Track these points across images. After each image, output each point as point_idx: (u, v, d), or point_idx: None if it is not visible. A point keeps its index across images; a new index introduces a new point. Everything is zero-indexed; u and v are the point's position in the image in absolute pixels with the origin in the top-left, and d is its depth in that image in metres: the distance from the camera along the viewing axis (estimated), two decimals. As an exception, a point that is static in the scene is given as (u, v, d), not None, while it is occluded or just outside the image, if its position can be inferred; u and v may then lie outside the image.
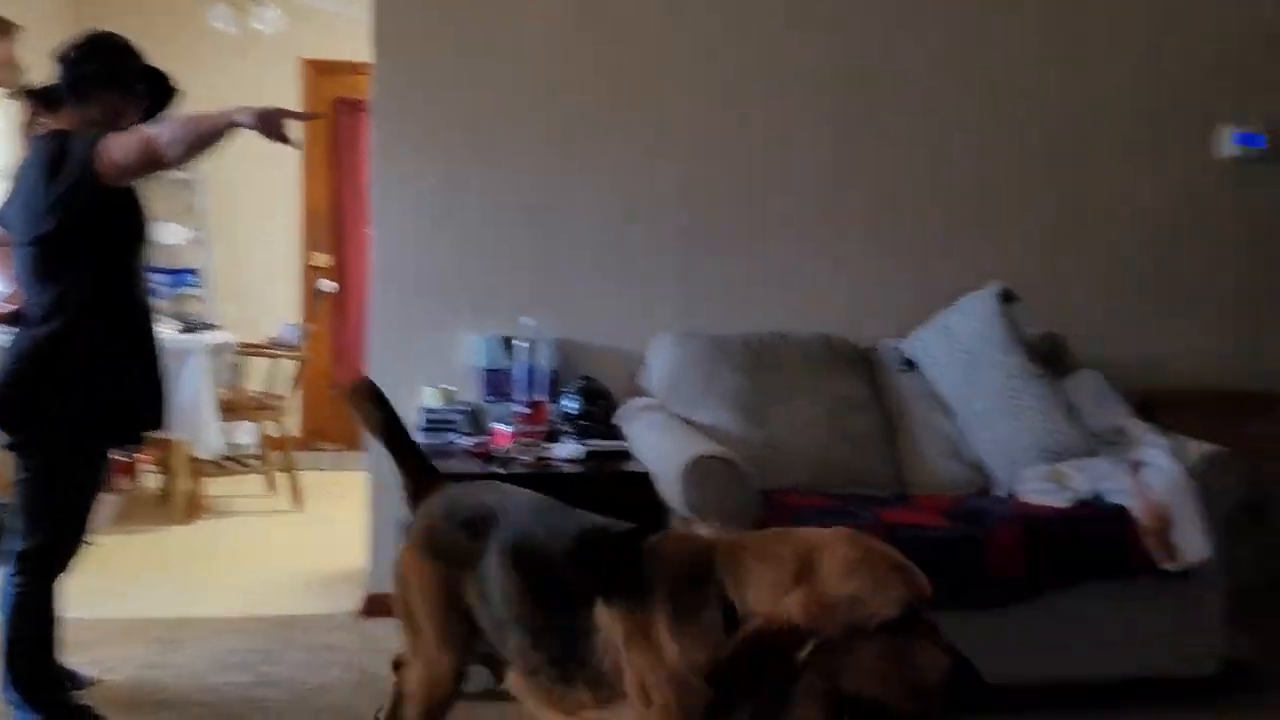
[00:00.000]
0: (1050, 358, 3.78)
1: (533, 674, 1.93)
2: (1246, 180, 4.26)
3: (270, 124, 2.62)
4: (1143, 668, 3.18)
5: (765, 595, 1.66)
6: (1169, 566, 3.09)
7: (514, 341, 3.73)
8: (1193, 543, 3.09)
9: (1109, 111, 4.19)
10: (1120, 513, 3.13)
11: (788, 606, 1.61)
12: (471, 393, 3.79)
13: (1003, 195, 4.15)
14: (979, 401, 3.59)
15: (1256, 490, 3.38)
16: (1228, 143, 4.23)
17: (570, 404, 3.64)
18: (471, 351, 3.85)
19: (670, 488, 2.99)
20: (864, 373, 3.80)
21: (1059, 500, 3.23)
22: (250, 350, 5.78)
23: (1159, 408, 4.03)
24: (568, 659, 1.85)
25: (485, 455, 3.38)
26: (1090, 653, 3.13)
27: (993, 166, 4.14)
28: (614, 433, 3.59)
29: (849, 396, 3.68)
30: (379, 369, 3.77)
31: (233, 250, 6.48)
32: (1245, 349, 4.28)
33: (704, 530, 1.89)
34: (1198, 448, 3.26)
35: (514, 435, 3.43)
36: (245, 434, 5.95)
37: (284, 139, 2.65)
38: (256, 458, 5.67)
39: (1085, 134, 4.18)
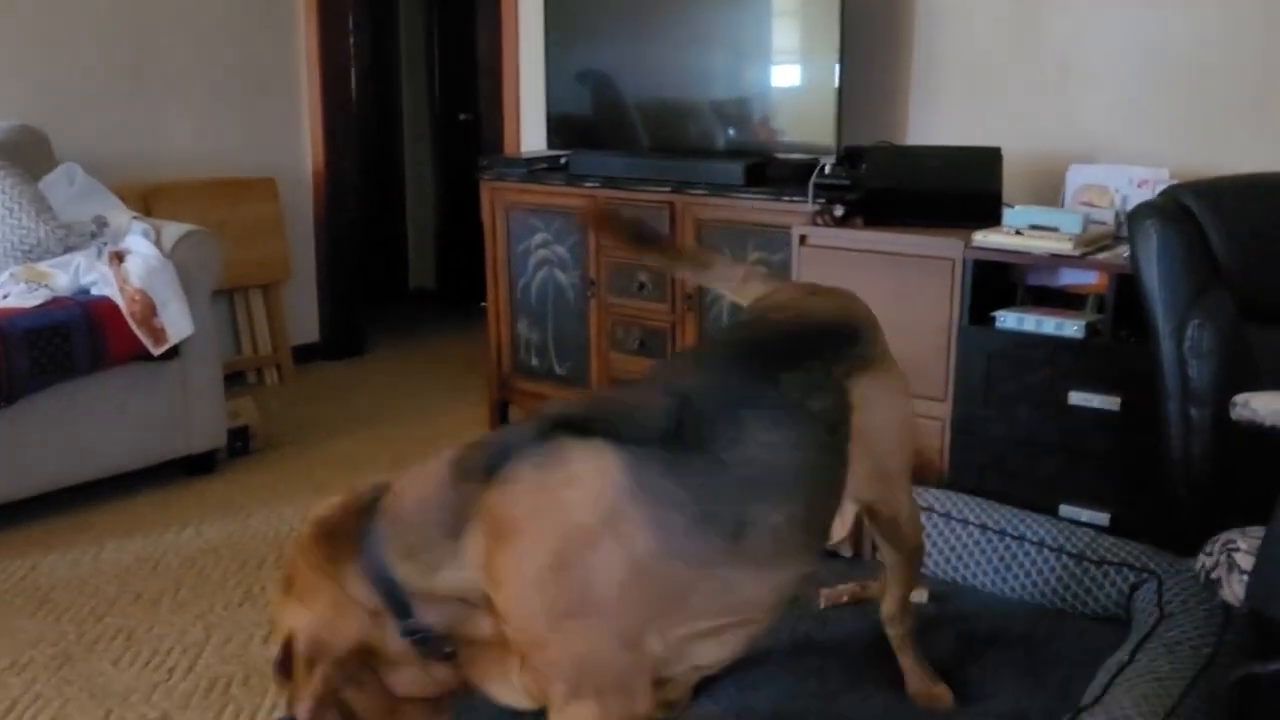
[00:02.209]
0: (26, 151, 3.46)
1: None
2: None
3: None
4: (152, 454, 3.20)
5: None
6: (158, 349, 3.11)
7: None
8: (177, 322, 3.14)
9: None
10: (101, 304, 3.04)
11: None
12: None
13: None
14: (-64, 204, 3.16)
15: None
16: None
17: None
18: None
19: None
20: None
21: (33, 301, 3.02)
22: None
23: (160, 199, 4.00)
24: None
25: None
26: (94, 451, 3.06)
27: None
28: None
29: None
30: None
31: None
32: (239, 137, 4.39)
33: None
34: (176, 230, 3.28)
35: None
36: None
37: None
38: None
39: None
